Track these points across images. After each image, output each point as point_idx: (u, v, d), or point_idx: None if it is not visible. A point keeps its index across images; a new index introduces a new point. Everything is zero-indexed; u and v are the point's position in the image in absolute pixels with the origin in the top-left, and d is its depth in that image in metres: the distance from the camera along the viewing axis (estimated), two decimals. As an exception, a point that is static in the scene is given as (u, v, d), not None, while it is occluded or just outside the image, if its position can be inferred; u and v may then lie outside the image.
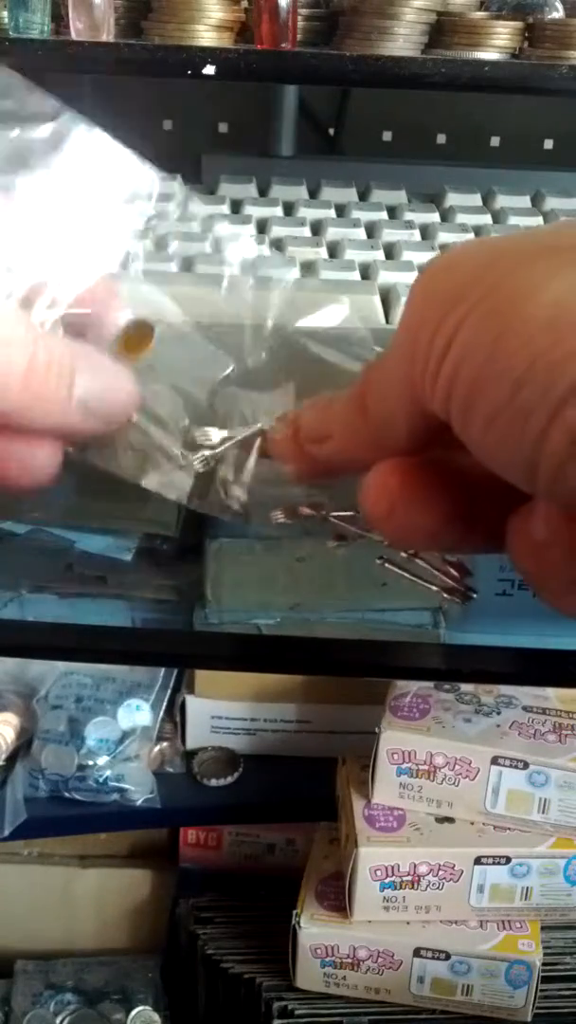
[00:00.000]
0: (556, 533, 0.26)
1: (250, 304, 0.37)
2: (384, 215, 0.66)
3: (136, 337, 0.33)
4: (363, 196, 0.70)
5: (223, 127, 0.91)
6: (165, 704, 0.93)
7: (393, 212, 0.66)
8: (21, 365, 0.29)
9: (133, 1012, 0.91)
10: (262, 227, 0.63)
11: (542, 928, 0.81)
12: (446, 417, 0.25)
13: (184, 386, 0.35)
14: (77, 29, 0.61)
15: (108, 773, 0.87)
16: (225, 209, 0.66)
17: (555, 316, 0.23)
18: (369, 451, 0.29)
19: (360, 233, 0.63)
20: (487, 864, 0.78)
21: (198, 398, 0.35)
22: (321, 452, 0.31)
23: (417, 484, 0.29)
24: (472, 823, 0.79)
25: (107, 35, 0.62)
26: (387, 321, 0.54)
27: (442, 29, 0.65)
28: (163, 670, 0.93)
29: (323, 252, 0.60)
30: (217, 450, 0.34)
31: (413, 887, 0.78)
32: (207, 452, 0.34)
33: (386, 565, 0.34)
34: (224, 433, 0.35)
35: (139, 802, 0.88)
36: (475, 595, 0.34)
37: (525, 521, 0.27)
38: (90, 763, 0.87)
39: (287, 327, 0.36)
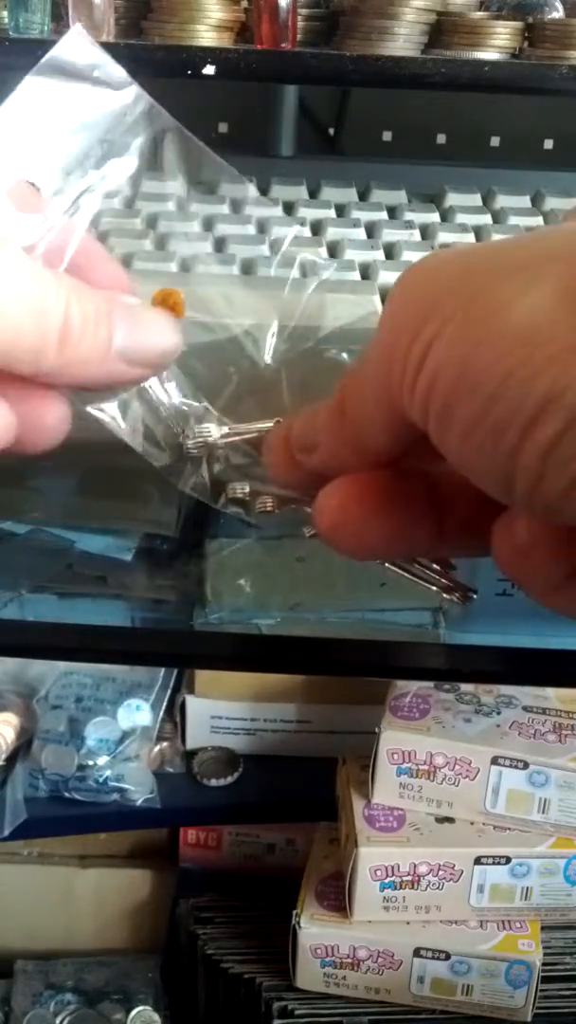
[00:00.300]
0: (537, 537, 0.26)
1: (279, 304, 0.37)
2: (384, 215, 0.66)
3: (167, 307, 0.33)
4: (363, 196, 0.70)
5: (223, 127, 0.92)
6: (165, 704, 0.93)
7: (393, 212, 0.66)
8: (55, 328, 0.29)
9: (133, 1012, 0.91)
10: (262, 227, 0.63)
11: (542, 928, 0.81)
12: (424, 427, 0.26)
13: (196, 372, 0.35)
14: (77, 29, 0.61)
15: (108, 773, 0.87)
16: (225, 209, 0.66)
17: (528, 330, 0.23)
18: (353, 458, 0.29)
19: (360, 233, 0.63)
20: (487, 864, 0.78)
21: (210, 385, 0.35)
22: (310, 462, 0.31)
23: (368, 498, 0.29)
24: (472, 823, 0.79)
25: (107, 35, 0.62)
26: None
27: (442, 29, 0.65)
28: (163, 670, 0.93)
29: (323, 252, 0.60)
30: (213, 440, 0.34)
31: (413, 887, 0.78)
32: (204, 440, 0.35)
33: (386, 564, 0.34)
34: (224, 429, 0.35)
35: (139, 802, 0.88)
36: (475, 596, 0.34)
37: (508, 526, 0.27)
38: (90, 763, 0.87)
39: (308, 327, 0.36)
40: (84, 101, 0.34)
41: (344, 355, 0.36)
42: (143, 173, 0.35)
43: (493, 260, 0.25)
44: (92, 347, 0.30)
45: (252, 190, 0.43)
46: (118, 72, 0.34)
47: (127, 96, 0.34)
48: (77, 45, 0.34)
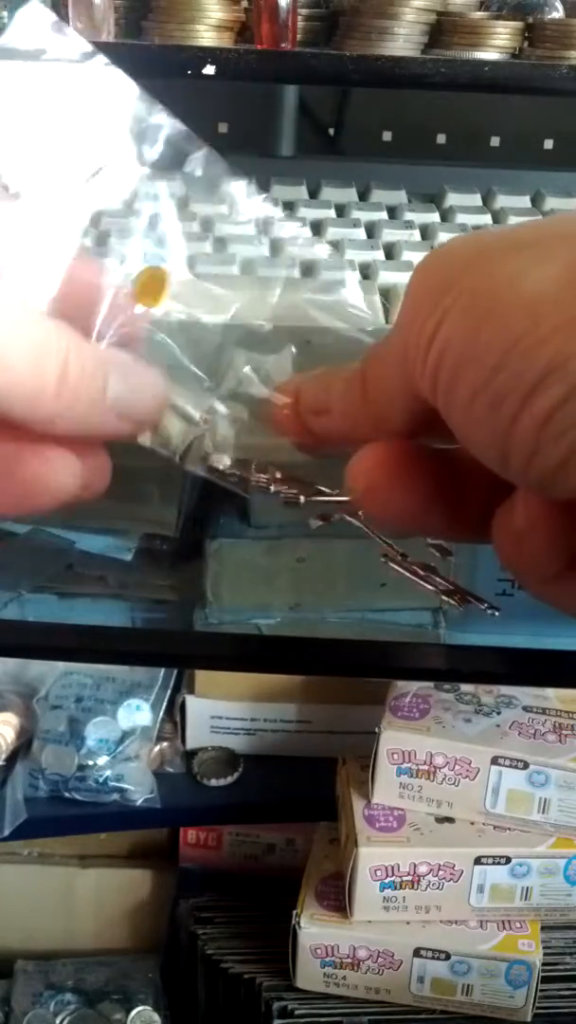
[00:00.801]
0: (535, 521, 0.27)
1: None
2: (384, 215, 0.66)
3: (152, 284, 0.33)
4: (363, 196, 0.70)
5: (223, 127, 0.91)
6: (165, 704, 0.93)
7: (393, 212, 0.66)
8: (53, 373, 0.29)
9: (133, 1012, 0.91)
10: (262, 227, 0.63)
11: (542, 928, 0.81)
12: (434, 401, 0.26)
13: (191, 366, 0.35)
14: (77, 29, 0.61)
15: (108, 773, 0.87)
16: (225, 209, 0.66)
17: (535, 301, 0.23)
18: (366, 429, 0.30)
19: (360, 233, 0.63)
20: (487, 864, 0.78)
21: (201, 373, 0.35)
22: (318, 425, 0.31)
23: (400, 466, 0.29)
24: (472, 823, 0.79)
25: (107, 35, 0.62)
26: (387, 321, 0.54)
27: (442, 29, 0.65)
28: (163, 670, 0.93)
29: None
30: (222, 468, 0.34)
31: (413, 887, 0.78)
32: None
33: (389, 564, 0.34)
34: (262, 477, 0.34)
35: (139, 802, 0.88)
36: (472, 600, 0.34)
37: (507, 512, 0.27)
38: (90, 763, 0.87)
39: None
40: (51, 81, 0.33)
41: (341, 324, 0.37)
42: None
43: (506, 239, 0.26)
44: (88, 397, 0.30)
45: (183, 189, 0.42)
46: (82, 45, 0.34)
47: (95, 71, 0.34)
48: (36, 18, 0.33)
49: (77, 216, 0.33)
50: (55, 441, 0.31)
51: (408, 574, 0.34)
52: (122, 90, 0.34)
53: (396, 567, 0.34)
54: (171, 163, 0.34)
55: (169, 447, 0.34)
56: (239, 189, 0.37)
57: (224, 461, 0.34)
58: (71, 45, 0.33)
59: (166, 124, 0.35)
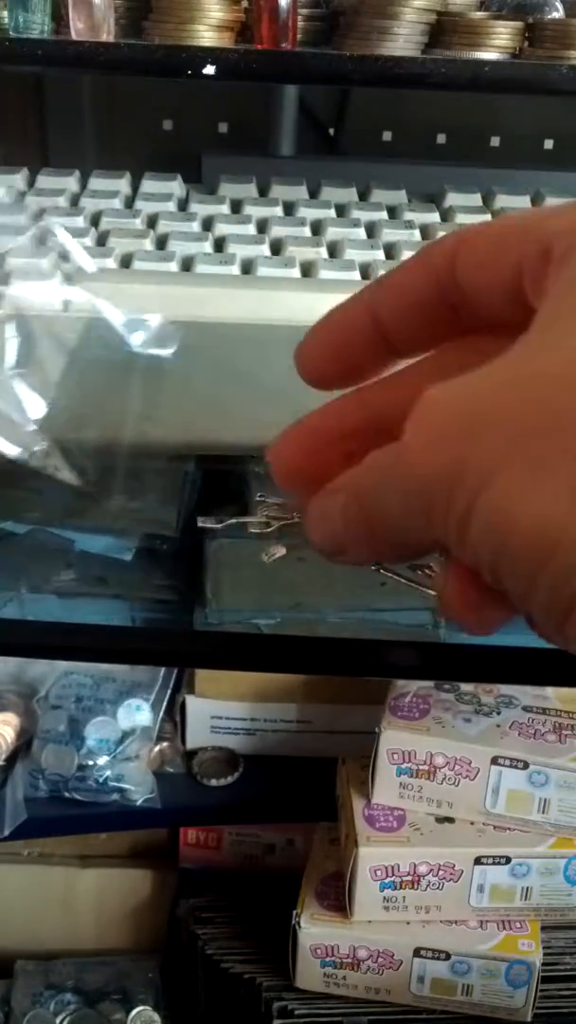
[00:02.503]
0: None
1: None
2: (384, 215, 0.66)
3: None
4: (363, 196, 0.70)
5: (223, 127, 0.91)
6: (165, 704, 0.93)
7: (393, 212, 0.66)
8: None
9: (133, 1012, 0.91)
10: (262, 227, 0.63)
11: (542, 928, 0.81)
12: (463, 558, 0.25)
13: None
14: (77, 29, 0.61)
15: (108, 773, 0.87)
16: (225, 209, 0.66)
17: (543, 534, 0.23)
18: (392, 554, 0.29)
19: (360, 233, 0.63)
20: (487, 864, 0.78)
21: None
22: (343, 560, 0.30)
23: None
24: (472, 823, 0.79)
25: (107, 35, 0.62)
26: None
27: (442, 29, 0.65)
28: (163, 670, 0.93)
29: (323, 252, 0.60)
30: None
31: (413, 887, 0.78)
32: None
33: (382, 572, 0.34)
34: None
35: (139, 802, 0.88)
36: None
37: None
38: (90, 763, 0.87)
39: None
40: None
41: None
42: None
43: (504, 418, 0.24)
44: None
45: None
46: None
47: None
48: None
49: None
50: None
51: (404, 580, 0.33)
52: None
53: (392, 574, 0.33)
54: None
55: None
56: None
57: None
58: None
59: None
